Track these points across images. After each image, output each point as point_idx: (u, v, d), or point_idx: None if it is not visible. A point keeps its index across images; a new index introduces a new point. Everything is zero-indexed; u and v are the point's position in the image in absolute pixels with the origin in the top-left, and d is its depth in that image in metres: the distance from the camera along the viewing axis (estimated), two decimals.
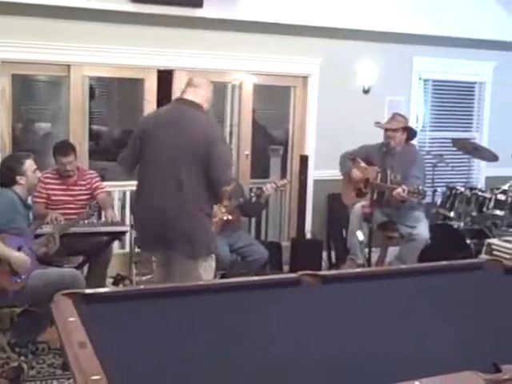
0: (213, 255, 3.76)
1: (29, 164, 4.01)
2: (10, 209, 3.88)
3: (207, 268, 3.70)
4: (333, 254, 6.17)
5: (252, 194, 5.59)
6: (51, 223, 4.44)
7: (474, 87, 6.99)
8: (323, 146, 6.11)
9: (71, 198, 4.79)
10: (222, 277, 5.03)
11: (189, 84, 3.76)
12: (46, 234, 3.99)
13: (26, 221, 3.99)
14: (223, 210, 5.16)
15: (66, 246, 4.62)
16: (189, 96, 3.69)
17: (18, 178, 3.95)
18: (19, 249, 3.74)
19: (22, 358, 3.77)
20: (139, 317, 2.33)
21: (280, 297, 2.63)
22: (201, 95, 3.71)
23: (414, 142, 5.64)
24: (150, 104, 5.68)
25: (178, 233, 3.56)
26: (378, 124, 5.29)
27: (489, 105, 6.97)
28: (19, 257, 3.67)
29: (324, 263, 6.08)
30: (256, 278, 3.09)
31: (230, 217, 5.18)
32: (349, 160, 5.42)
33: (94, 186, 4.88)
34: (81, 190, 4.84)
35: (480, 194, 5.59)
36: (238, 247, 5.21)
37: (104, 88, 8.66)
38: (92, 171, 5.08)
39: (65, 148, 4.83)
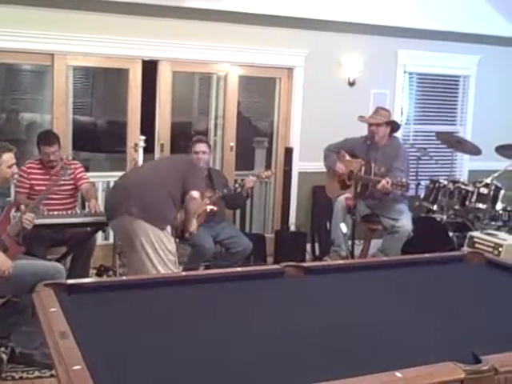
0: (166, 234, 4.04)
1: (6, 158, 3.86)
2: None
3: (160, 239, 3.97)
4: (317, 246, 6.19)
5: (236, 185, 5.59)
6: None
7: (458, 81, 7.02)
8: (308, 138, 6.11)
9: (55, 188, 4.75)
10: (206, 268, 5.03)
11: None
12: (19, 215, 3.92)
13: None
14: (207, 201, 5.16)
15: (48, 237, 4.60)
16: None
17: None
18: None
19: (2, 348, 3.74)
20: (122, 307, 2.33)
21: (263, 288, 2.64)
22: None
23: (398, 134, 5.66)
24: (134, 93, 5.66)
25: (134, 199, 3.99)
26: (361, 118, 5.31)
27: (473, 98, 7.00)
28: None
29: (308, 255, 6.09)
30: (239, 269, 3.09)
31: (214, 208, 5.17)
32: (333, 153, 5.44)
33: (77, 176, 4.85)
34: (64, 180, 4.80)
35: (463, 187, 5.61)
36: (222, 239, 5.21)
37: (88, 78, 8.61)
38: (76, 162, 5.05)
39: (49, 138, 4.79)
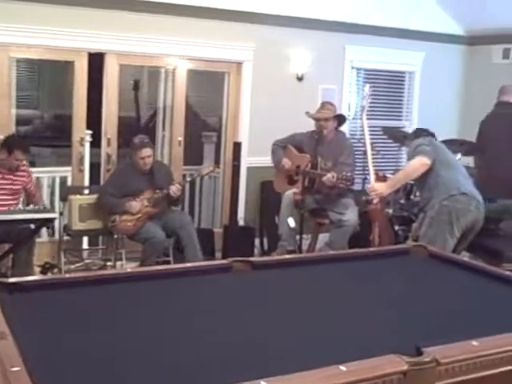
0: None
1: None
2: None
3: None
4: (265, 240, 6.20)
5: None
6: None
7: (404, 77, 7.13)
8: (257, 132, 6.11)
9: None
10: (157, 263, 4.98)
11: None
12: None
13: None
14: (146, 204, 5.09)
15: None
16: None
17: None
18: None
19: None
20: (65, 306, 2.28)
21: (211, 283, 2.64)
22: None
23: (346, 129, 5.70)
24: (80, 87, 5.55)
25: None
26: (309, 114, 5.33)
27: (418, 94, 7.13)
28: None
29: (256, 250, 6.11)
30: (188, 264, 3.09)
31: (154, 210, 5.12)
32: (280, 148, 5.46)
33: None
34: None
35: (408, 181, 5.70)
36: (172, 227, 5.18)
37: (33, 71, 8.42)
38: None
39: None
